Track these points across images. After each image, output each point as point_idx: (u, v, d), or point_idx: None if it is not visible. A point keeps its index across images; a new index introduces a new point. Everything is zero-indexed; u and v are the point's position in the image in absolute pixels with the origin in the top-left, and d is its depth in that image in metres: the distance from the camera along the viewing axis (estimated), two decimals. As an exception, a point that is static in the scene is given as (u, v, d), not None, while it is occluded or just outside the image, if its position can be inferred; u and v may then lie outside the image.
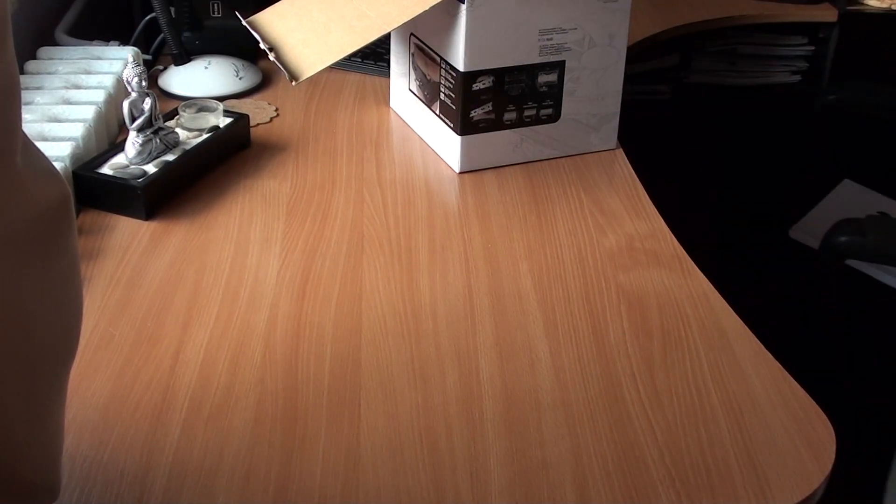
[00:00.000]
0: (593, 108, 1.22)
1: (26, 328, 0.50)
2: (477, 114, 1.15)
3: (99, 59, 1.27)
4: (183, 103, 1.20)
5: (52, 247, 0.52)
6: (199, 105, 1.19)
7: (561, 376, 0.86)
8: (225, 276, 0.97)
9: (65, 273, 0.53)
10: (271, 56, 1.16)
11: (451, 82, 1.15)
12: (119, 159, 1.10)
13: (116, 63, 1.26)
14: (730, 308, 0.95)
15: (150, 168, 1.09)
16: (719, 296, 0.97)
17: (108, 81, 1.22)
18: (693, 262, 1.02)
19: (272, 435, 0.79)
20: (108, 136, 1.19)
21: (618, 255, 1.03)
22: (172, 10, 1.34)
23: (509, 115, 1.18)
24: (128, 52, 1.30)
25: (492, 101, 1.16)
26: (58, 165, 1.03)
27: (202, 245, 1.02)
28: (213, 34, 1.39)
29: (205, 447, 0.78)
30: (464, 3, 1.09)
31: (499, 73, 1.14)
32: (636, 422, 0.81)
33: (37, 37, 1.36)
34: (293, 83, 1.12)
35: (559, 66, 1.17)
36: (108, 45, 1.33)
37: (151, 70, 1.36)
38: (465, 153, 1.17)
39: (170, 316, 0.92)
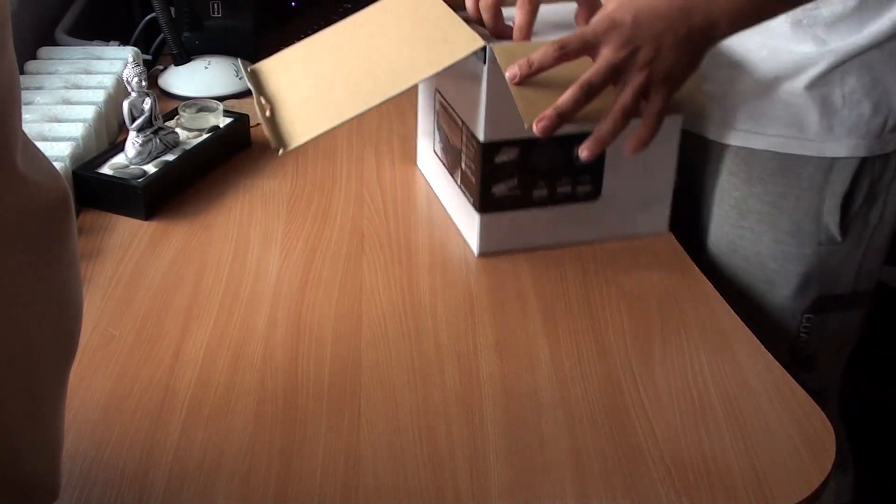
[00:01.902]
0: (639, 186, 1.04)
1: (26, 328, 0.50)
2: (500, 189, 0.99)
3: (99, 59, 1.27)
4: (183, 103, 1.20)
5: (51, 246, 0.52)
6: (199, 105, 1.19)
7: (561, 376, 0.86)
8: (225, 276, 0.97)
9: (65, 273, 0.53)
10: (261, 116, 0.99)
11: (472, 151, 0.99)
12: (119, 159, 1.10)
13: (116, 63, 1.26)
14: (730, 308, 0.95)
15: (150, 168, 1.09)
16: (719, 296, 0.96)
17: (108, 81, 1.22)
18: (693, 262, 1.02)
19: (272, 435, 0.79)
20: (108, 136, 1.19)
21: (618, 255, 1.03)
22: (172, 10, 1.34)
23: (539, 192, 1.01)
24: (128, 52, 1.30)
25: (517, 175, 0.99)
26: (58, 165, 1.03)
27: (202, 245, 1.02)
28: (213, 34, 1.39)
29: (205, 447, 0.78)
30: (485, 62, 0.93)
31: (526, 145, 0.97)
32: (636, 422, 0.81)
33: (37, 37, 1.36)
34: (279, 153, 0.94)
35: None
36: (108, 45, 1.33)
37: (151, 70, 1.36)
38: (486, 233, 1.01)
39: (170, 316, 0.92)
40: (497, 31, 0.97)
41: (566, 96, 0.87)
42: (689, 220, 1.15)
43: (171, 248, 1.01)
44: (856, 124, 0.99)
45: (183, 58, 1.35)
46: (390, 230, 1.06)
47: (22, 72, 1.23)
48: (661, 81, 0.87)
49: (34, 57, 1.27)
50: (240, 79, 1.34)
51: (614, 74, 0.87)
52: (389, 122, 1.29)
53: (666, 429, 0.80)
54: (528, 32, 0.95)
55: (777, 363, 0.88)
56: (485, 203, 0.99)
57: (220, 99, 1.26)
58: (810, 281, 1.06)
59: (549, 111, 0.87)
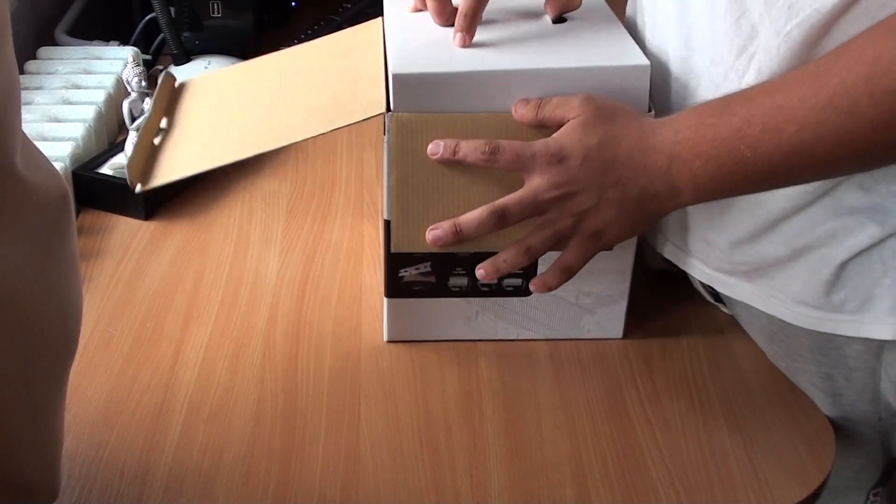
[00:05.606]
0: (584, 285, 0.86)
1: (26, 328, 0.50)
2: (409, 274, 0.86)
3: (99, 59, 1.27)
4: (183, 103, 1.20)
5: (51, 246, 0.52)
6: (199, 105, 1.19)
7: (561, 376, 0.86)
8: (225, 276, 0.97)
9: (64, 272, 0.53)
10: (144, 138, 0.90)
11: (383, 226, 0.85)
12: (119, 159, 1.10)
13: (116, 63, 1.26)
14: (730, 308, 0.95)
15: (150, 168, 1.09)
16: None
17: (108, 81, 1.22)
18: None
19: (272, 435, 0.79)
20: (108, 136, 1.19)
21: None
22: (172, 10, 1.34)
23: (457, 280, 0.87)
24: (128, 52, 1.30)
25: (430, 259, 0.85)
26: (58, 165, 1.03)
27: (202, 245, 1.02)
28: (213, 34, 1.39)
29: (205, 447, 0.78)
30: (384, 132, 0.80)
31: None
32: (636, 422, 0.81)
33: (37, 37, 1.36)
34: (136, 189, 0.85)
35: None
36: (108, 45, 1.33)
37: (151, 70, 1.36)
38: (395, 321, 0.88)
39: (170, 316, 0.92)
40: (443, 17, 0.83)
41: (472, 217, 0.77)
42: None
43: (170, 249, 1.01)
44: None
45: (183, 58, 1.35)
46: (390, 230, 1.06)
47: (22, 72, 1.23)
48: (588, 237, 0.76)
49: (34, 57, 1.27)
50: (240, 79, 1.34)
51: (536, 210, 0.76)
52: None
53: (666, 429, 0.80)
54: (472, 21, 0.80)
55: (776, 364, 0.88)
56: (392, 288, 0.86)
57: (220, 99, 1.26)
58: (874, 458, 0.86)
59: (447, 224, 0.78)
